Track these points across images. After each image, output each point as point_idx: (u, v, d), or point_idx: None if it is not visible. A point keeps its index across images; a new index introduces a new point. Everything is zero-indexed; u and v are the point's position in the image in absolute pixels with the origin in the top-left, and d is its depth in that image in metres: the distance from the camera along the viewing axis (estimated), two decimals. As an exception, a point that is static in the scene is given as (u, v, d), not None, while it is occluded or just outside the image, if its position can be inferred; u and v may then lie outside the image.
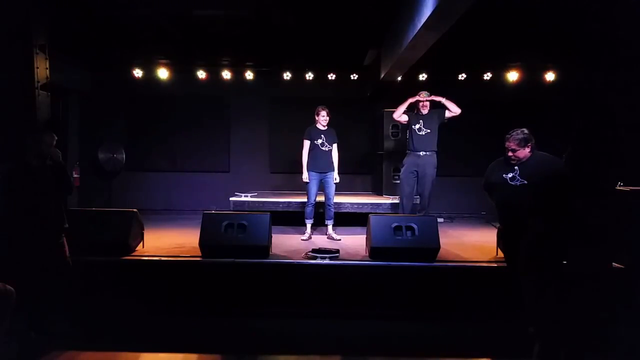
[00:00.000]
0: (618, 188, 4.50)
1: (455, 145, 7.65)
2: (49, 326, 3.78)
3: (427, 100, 6.09)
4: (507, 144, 3.75)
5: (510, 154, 3.74)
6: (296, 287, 4.57)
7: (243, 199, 6.86)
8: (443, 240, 4.92)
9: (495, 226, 4.88)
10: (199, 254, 4.81)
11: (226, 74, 8.27)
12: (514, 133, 3.73)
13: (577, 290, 2.77)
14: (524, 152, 3.70)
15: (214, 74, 8.30)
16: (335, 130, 6.03)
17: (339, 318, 4.40)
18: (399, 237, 4.71)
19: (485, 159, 4.05)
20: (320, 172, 5.88)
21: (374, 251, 4.75)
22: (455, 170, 8.09)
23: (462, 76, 8.08)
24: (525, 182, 3.65)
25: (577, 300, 2.73)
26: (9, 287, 3.08)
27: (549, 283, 3.15)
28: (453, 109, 5.96)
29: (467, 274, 4.58)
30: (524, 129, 3.74)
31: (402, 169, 6.20)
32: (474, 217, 8.06)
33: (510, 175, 3.73)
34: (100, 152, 8.34)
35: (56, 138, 3.80)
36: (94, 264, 4.49)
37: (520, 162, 3.71)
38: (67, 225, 3.87)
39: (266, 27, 6.51)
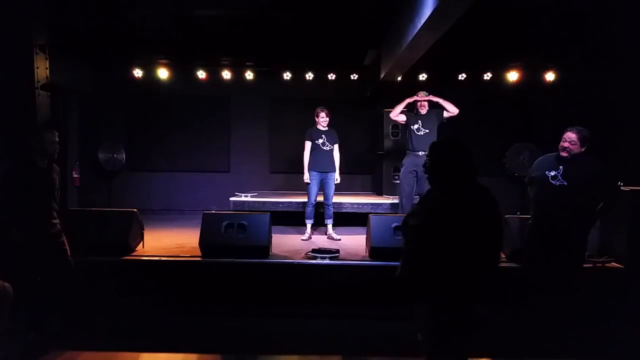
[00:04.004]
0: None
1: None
2: (49, 326, 3.78)
3: (425, 100, 6.08)
4: (568, 134, 3.63)
5: (567, 144, 3.61)
6: (296, 287, 4.56)
7: (243, 199, 6.86)
8: (443, 240, 4.91)
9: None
10: (199, 254, 4.81)
11: (226, 74, 8.27)
12: (579, 128, 3.62)
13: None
14: (579, 151, 3.61)
15: (214, 73, 8.29)
16: (336, 130, 6.04)
17: (339, 318, 4.39)
18: (399, 237, 4.70)
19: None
20: (321, 172, 5.88)
21: (373, 251, 4.75)
22: (455, 170, 8.07)
23: (462, 76, 8.07)
24: (566, 183, 3.57)
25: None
26: (7, 284, 3.09)
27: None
28: (451, 110, 5.92)
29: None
30: (585, 129, 3.64)
31: (402, 169, 6.18)
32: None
33: (552, 173, 3.62)
34: (100, 152, 8.34)
35: (57, 133, 3.76)
36: (94, 264, 4.49)
37: (567, 161, 3.61)
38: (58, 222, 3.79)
39: (266, 27, 6.52)
